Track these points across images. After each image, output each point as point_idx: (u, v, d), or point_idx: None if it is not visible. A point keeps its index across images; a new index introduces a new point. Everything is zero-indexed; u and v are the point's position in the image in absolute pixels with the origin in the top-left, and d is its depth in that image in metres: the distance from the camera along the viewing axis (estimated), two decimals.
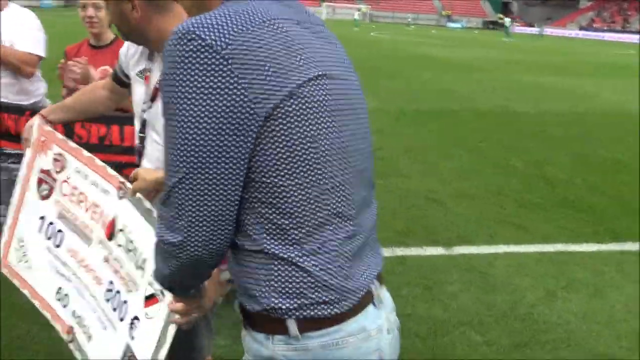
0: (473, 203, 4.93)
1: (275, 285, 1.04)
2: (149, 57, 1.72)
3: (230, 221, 1.01)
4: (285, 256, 1.03)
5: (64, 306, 1.85)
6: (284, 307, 1.04)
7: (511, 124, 8.65)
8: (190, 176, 0.95)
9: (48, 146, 1.96)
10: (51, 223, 1.94)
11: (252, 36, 0.95)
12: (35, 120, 1.98)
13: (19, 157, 2.64)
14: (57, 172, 1.93)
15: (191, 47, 0.93)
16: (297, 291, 1.03)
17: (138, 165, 1.77)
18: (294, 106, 0.97)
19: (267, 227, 1.02)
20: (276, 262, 1.03)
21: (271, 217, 1.02)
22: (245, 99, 0.93)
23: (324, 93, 1.02)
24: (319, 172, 1.01)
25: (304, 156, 0.99)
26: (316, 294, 1.04)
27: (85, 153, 1.86)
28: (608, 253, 4.04)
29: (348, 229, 1.07)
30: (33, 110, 2.70)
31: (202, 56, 0.92)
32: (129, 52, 1.79)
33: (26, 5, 3.27)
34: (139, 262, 1.58)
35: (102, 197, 1.75)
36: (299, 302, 1.04)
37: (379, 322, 1.12)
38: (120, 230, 1.67)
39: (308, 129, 0.99)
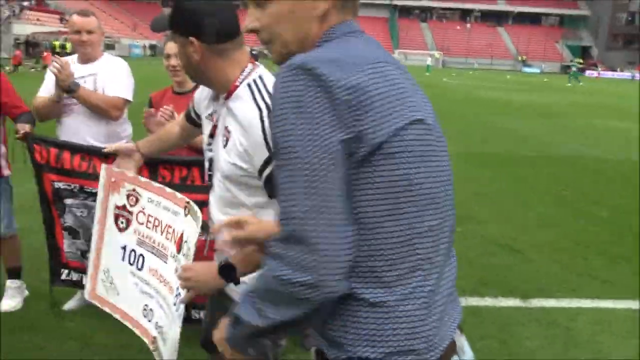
0: (554, 254, 4.68)
1: (364, 332, 1.00)
2: (214, 98, 1.81)
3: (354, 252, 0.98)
4: (376, 301, 1.00)
5: (149, 320, 2.05)
6: (372, 356, 1.00)
7: (592, 171, 8.24)
8: (315, 208, 0.93)
9: (119, 185, 2.18)
10: (133, 250, 2.15)
11: (365, 74, 0.98)
12: (102, 166, 2.22)
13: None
14: (132, 206, 2.15)
15: (307, 79, 0.95)
16: (387, 339, 1.00)
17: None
18: (395, 147, 0.99)
19: (357, 269, 1.00)
20: (365, 307, 1.00)
21: (364, 257, 1.00)
22: (354, 135, 0.96)
23: (421, 137, 1.03)
24: (415, 214, 1.01)
25: (403, 197, 0.99)
26: (406, 342, 1.00)
27: (155, 184, 2.10)
28: None
29: (437, 275, 1.05)
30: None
31: (317, 89, 0.95)
32: (202, 95, 1.90)
33: (118, 54, 3.55)
34: (188, 249, 1.82)
35: (173, 218, 1.96)
36: (387, 350, 1.00)
37: None
38: (185, 241, 1.85)
39: (407, 170, 1.00)
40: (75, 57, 3.24)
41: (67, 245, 3.06)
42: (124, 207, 2.19)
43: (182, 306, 1.79)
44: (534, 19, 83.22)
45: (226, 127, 1.67)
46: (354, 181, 0.97)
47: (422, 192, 1.02)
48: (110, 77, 3.20)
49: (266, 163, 1.54)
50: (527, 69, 69.72)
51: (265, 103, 1.58)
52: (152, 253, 2.07)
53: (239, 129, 1.61)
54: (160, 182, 2.55)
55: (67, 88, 2.98)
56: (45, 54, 29.82)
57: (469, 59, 74.22)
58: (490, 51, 74.94)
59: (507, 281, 4.06)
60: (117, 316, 2.22)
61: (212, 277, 1.47)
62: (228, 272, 1.44)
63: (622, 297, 3.88)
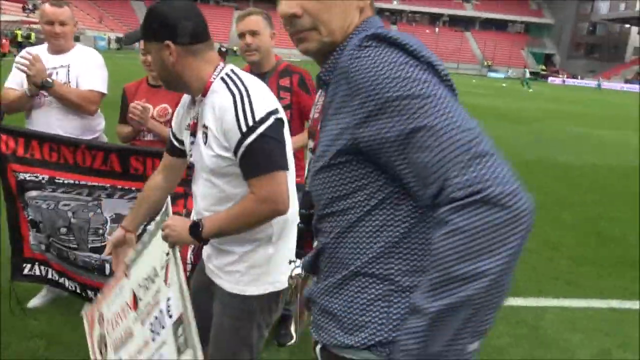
0: (523, 256, 4.76)
1: (394, 317, 1.00)
2: (190, 106, 1.84)
3: None
4: (410, 285, 0.99)
5: None
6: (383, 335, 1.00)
7: (561, 176, 8.46)
8: (478, 130, 0.92)
9: (94, 318, 2.20)
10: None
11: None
12: (83, 313, 2.28)
13: (71, 187, 2.79)
14: (102, 327, 2.13)
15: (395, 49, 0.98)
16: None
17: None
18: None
19: (398, 251, 1.00)
20: (397, 293, 1.00)
21: (406, 240, 1.00)
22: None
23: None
24: None
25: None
26: None
27: (105, 290, 2.14)
28: None
29: None
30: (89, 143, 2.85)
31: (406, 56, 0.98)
32: (178, 118, 1.94)
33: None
34: (152, 276, 1.87)
35: (122, 297, 2.01)
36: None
37: None
38: (139, 286, 1.92)
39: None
40: (44, 47, 3.14)
41: (31, 237, 2.98)
42: (100, 337, 2.17)
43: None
44: (500, 26, 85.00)
45: (204, 125, 1.73)
46: None
47: None
48: (84, 69, 3.11)
49: (239, 143, 1.62)
50: (492, 74, 71.15)
51: (238, 88, 1.66)
52: (123, 345, 2.00)
53: (214, 118, 1.67)
54: (132, 174, 2.67)
55: (41, 85, 2.89)
56: (3, 41, 28.80)
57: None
58: (457, 55, 76.19)
59: None
60: None
61: (185, 232, 1.68)
62: (196, 230, 1.66)
63: (586, 297, 4.00)
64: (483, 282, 0.84)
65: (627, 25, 77.53)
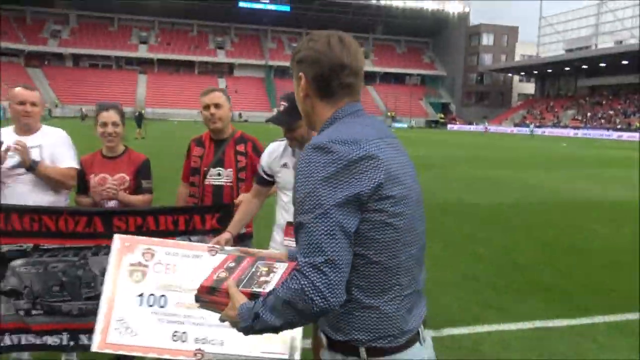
0: (453, 290, 5.25)
1: (356, 324, 1.52)
2: (283, 152, 2.95)
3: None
4: (368, 304, 1.51)
5: (183, 341, 2.50)
6: (359, 338, 1.52)
7: (470, 215, 9.22)
8: (331, 242, 1.38)
9: (133, 247, 2.64)
10: (151, 295, 2.57)
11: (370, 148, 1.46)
12: (115, 236, 2.70)
13: (57, 250, 2.97)
14: (147, 261, 2.62)
15: (326, 157, 1.43)
16: (372, 328, 1.51)
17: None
18: (385, 197, 1.44)
19: (358, 283, 1.50)
20: (361, 308, 1.51)
21: (362, 277, 1.49)
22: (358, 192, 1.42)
23: (403, 191, 1.50)
24: (398, 249, 1.48)
25: (390, 236, 1.46)
26: (385, 330, 1.51)
27: (169, 241, 2.67)
28: (581, 327, 4.38)
29: (412, 284, 1.56)
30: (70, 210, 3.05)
31: (333, 164, 1.42)
32: (270, 159, 2.98)
33: None
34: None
35: (194, 261, 2.56)
36: (372, 336, 1.51)
37: (423, 355, 1.59)
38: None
39: (394, 215, 1.46)
40: (11, 128, 3.27)
41: (3, 309, 3.00)
42: (138, 264, 2.61)
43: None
44: (398, 79, 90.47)
45: None
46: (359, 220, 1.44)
47: (406, 232, 1.51)
48: (58, 149, 3.31)
49: None
50: (396, 124, 75.05)
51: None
52: (175, 291, 2.54)
53: None
54: (115, 232, 2.93)
55: (28, 167, 3.10)
56: None
57: None
58: (363, 108, 79.60)
59: None
60: (138, 353, 2.56)
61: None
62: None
63: (514, 321, 4.48)
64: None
65: (510, 75, 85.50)
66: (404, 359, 1.54)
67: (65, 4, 78.48)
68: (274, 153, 3.00)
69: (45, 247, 2.95)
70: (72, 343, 3.09)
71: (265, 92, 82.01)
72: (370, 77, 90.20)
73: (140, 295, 2.55)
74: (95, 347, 2.57)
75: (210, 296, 1.65)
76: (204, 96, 3.43)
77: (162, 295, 2.54)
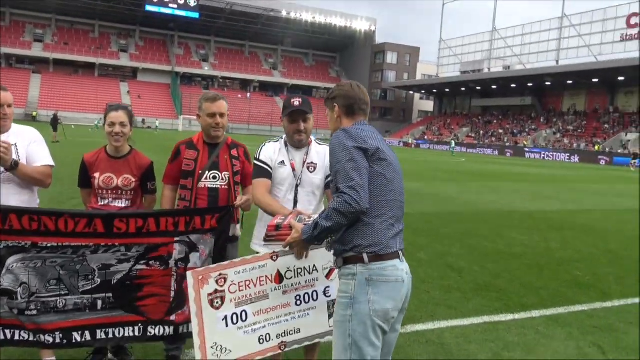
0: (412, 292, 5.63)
1: (359, 235, 2.43)
2: (279, 150, 3.37)
3: None
4: (366, 222, 2.43)
5: (268, 341, 3.00)
6: (361, 244, 2.42)
7: (408, 225, 9.76)
8: (360, 175, 2.39)
9: (206, 278, 2.91)
10: (234, 314, 2.93)
11: (373, 139, 2.54)
12: (188, 273, 2.93)
13: (55, 248, 3.03)
14: (221, 286, 2.92)
15: (348, 134, 2.50)
16: (367, 237, 2.42)
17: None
18: (380, 158, 2.50)
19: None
20: (361, 225, 2.43)
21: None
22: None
23: (391, 161, 2.56)
24: (386, 192, 2.49)
25: (382, 181, 2.49)
26: (376, 240, 2.42)
27: (237, 260, 3.00)
28: (522, 321, 4.95)
29: (395, 219, 2.51)
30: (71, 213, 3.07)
31: (353, 136, 2.50)
32: (272, 154, 3.35)
33: None
34: (309, 270, 3.08)
35: (261, 271, 2.98)
36: (366, 243, 2.41)
37: (403, 267, 2.53)
38: (287, 270, 3.02)
39: (385, 169, 2.50)
40: None
41: None
42: (215, 292, 2.91)
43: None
44: (306, 91, 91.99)
45: (311, 162, 3.33)
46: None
47: (393, 185, 2.52)
48: (33, 148, 3.30)
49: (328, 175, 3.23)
50: None
51: (327, 146, 3.25)
52: (252, 302, 2.96)
53: (322, 159, 3.35)
54: (116, 233, 3.08)
55: (9, 167, 3.07)
56: None
57: (251, 126, 78.38)
58: (270, 118, 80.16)
59: None
60: None
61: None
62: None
63: (465, 317, 4.96)
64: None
65: (411, 92, 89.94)
66: (391, 265, 2.45)
67: None
68: (272, 151, 3.35)
69: (43, 245, 2.98)
70: (65, 342, 3.11)
71: (170, 99, 79.91)
72: (278, 88, 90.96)
73: (224, 318, 2.91)
74: None
75: (276, 232, 2.63)
76: (210, 103, 3.46)
77: (243, 311, 2.94)
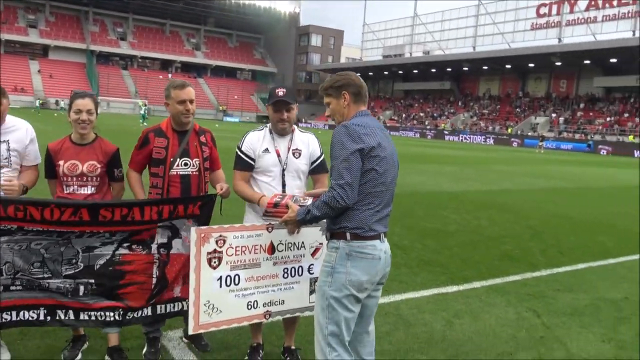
0: None
1: (346, 218, 2.75)
2: (264, 139, 3.56)
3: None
4: (354, 208, 2.74)
5: (255, 307, 3.25)
6: (346, 225, 2.76)
7: None
8: (351, 175, 2.67)
9: (207, 237, 3.10)
10: (228, 276, 3.14)
11: (371, 135, 2.78)
12: (192, 229, 3.11)
13: (41, 232, 3.11)
14: (220, 247, 3.02)
15: (348, 130, 2.77)
16: (352, 220, 2.75)
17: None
18: (374, 155, 2.76)
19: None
20: (349, 210, 2.74)
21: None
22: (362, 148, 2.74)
23: (386, 156, 2.82)
24: (376, 185, 2.78)
25: (374, 175, 2.77)
26: (359, 224, 2.75)
27: (236, 225, 3.20)
28: (467, 291, 5.48)
29: (380, 207, 2.81)
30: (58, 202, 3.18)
31: (351, 134, 2.75)
32: (255, 142, 3.54)
33: None
34: (298, 246, 3.36)
35: (257, 239, 3.23)
36: (352, 225, 2.74)
37: (383, 247, 2.83)
38: (279, 243, 3.28)
39: (377, 165, 2.77)
40: None
41: None
42: (214, 251, 3.10)
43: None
44: (230, 73, 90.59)
45: (296, 148, 3.57)
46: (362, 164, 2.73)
47: (385, 177, 2.82)
48: (30, 148, 3.44)
49: (315, 160, 3.63)
50: (228, 119, 75.30)
51: (310, 134, 3.68)
52: (245, 268, 3.20)
53: (306, 146, 3.62)
54: (101, 221, 3.17)
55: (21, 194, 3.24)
56: None
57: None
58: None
59: None
60: (224, 327, 3.18)
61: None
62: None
63: (416, 290, 5.41)
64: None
65: None
66: (370, 244, 2.77)
67: None
68: (256, 140, 3.54)
69: (29, 229, 3.05)
70: (49, 318, 3.22)
71: (86, 78, 76.00)
72: (201, 70, 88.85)
73: (219, 279, 3.12)
74: (191, 331, 3.00)
75: (274, 209, 3.03)
76: (179, 90, 3.53)
77: (237, 275, 3.17)
